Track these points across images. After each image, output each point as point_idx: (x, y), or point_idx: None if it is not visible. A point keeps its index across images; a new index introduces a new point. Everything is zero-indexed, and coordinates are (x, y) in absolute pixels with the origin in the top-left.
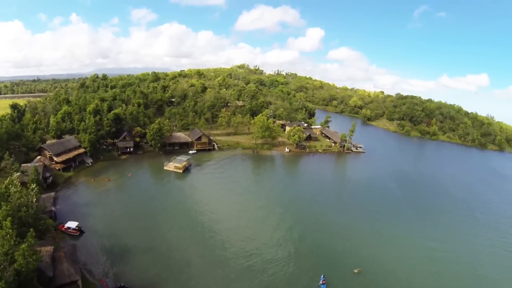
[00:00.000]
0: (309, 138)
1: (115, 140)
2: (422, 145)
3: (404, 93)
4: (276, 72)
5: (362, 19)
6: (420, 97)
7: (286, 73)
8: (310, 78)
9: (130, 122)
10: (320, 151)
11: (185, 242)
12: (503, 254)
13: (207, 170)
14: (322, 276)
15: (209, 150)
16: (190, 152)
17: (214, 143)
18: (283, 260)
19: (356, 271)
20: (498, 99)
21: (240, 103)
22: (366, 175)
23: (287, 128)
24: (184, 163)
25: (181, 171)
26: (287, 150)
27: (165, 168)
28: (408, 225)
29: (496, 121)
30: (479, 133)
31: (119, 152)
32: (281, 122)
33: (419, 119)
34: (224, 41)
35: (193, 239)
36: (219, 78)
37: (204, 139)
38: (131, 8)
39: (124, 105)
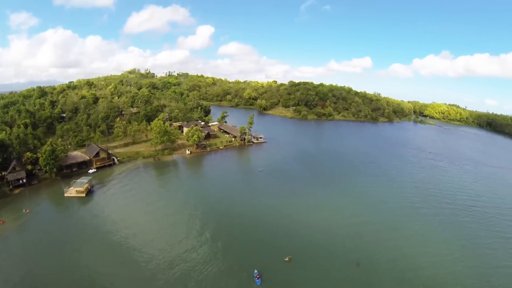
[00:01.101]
0: (208, 136)
1: (3, 173)
2: (320, 126)
3: (296, 80)
4: (168, 73)
5: (250, 14)
6: (312, 83)
7: (178, 74)
8: (202, 76)
9: (18, 147)
10: (221, 147)
11: (107, 267)
12: (405, 207)
13: (111, 187)
14: (255, 271)
15: (110, 165)
16: (90, 171)
17: (114, 157)
18: (208, 262)
19: (287, 259)
20: (381, 78)
21: (134, 110)
22: (272, 161)
23: (185, 129)
24: (86, 185)
25: (84, 195)
26: (188, 152)
27: (66, 195)
28: (322, 199)
29: (383, 96)
30: (369, 109)
31: (10, 187)
32: (178, 124)
33: (314, 103)
34: (113, 45)
35: (115, 260)
36: (110, 87)
37: (102, 155)
38: (9, 13)
39: (8, 128)
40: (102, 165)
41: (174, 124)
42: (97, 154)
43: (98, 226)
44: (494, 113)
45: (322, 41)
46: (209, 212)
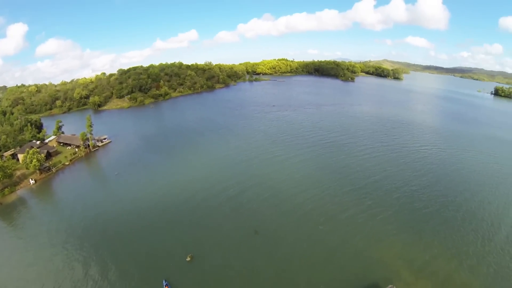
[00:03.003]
0: (49, 155)
1: None
2: (159, 108)
3: (125, 68)
4: None
5: (64, 2)
6: (142, 66)
7: None
8: (23, 85)
9: None
10: (67, 163)
11: None
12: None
13: None
14: (164, 282)
15: None
16: None
17: None
18: None
19: (188, 259)
20: (209, 47)
21: None
22: (122, 158)
23: (20, 156)
24: None
25: None
26: (32, 181)
27: None
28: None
29: (214, 64)
30: (204, 79)
31: None
32: (9, 152)
33: (148, 86)
34: None
35: None
36: None
37: None
38: None
39: None
40: None
41: (6, 154)
42: None
43: None
44: (318, 60)
45: (145, 21)
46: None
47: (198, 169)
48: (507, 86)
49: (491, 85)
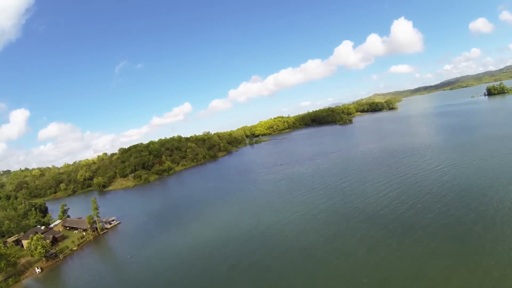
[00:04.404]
0: (55, 241)
1: None
2: (165, 184)
3: (126, 146)
4: None
5: (63, 88)
6: (142, 143)
7: None
8: (27, 169)
9: None
10: (75, 249)
11: None
12: None
13: None
14: None
15: None
16: None
17: None
18: None
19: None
20: (204, 118)
21: None
22: (133, 238)
23: (25, 243)
24: None
25: None
26: (38, 270)
27: None
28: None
29: (213, 133)
30: (205, 149)
31: None
32: (13, 238)
33: (151, 163)
34: None
35: None
36: None
37: None
38: None
39: None
40: None
41: (9, 240)
42: None
43: None
44: (313, 110)
45: (140, 100)
46: None
47: (209, 241)
48: (497, 83)
49: (482, 87)
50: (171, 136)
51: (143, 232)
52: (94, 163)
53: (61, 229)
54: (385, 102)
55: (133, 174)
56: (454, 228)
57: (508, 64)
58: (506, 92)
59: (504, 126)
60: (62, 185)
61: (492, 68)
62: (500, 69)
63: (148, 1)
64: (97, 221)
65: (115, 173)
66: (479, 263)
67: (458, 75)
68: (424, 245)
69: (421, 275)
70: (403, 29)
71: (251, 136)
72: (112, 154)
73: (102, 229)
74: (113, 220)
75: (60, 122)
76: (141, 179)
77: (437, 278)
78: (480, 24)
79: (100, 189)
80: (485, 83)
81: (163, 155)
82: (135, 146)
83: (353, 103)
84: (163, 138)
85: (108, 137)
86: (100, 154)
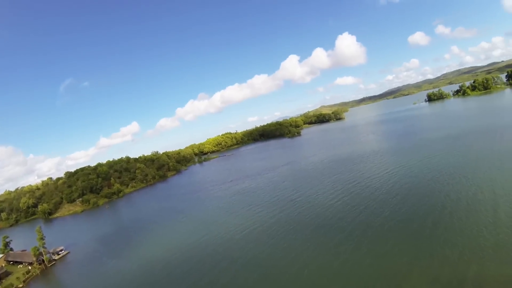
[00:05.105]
0: None
1: None
2: (115, 207)
3: (72, 169)
4: None
5: (1, 107)
6: (89, 166)
7: None
8: None
9: None
10: (20, 285)
11: None
12: None
13: None
14: None
15: None
16: None
17: None
18: None
19: None
20: (152, 137)
21: None
22: (82, 270)
23: None
24: None
25: None
26: None
27: None
28: None
29: (161, 153)
30: (154, 169)
31: None
32: None
33: (99, 186)
34: None
35: None
36: None
37: None
38: None
39: None
40: None
41: None
42: None
43: None
44: (260, 125)
45: (87, 119)
46: None
47: (162, 263)
48: (436, 90)
49: (423, 95)
50: (120, 157)
51: (94, 260)
52: (38, 188)
53: (3, 264)
54: (332, 113)
55: (80, 199)
56: (408, 224)
57: (444, 72)
58: (445, 97)
59: (444, 129)
60: (3, 215)
61: (430, 76)
62: (438, 77)
63: (91, 14)
64: (43, 253)
65: (62, 198)
66: (435, 252)
67: (400, 84)
68: (383, 244)
69: (383, 274)
70: (347, 43)
71: (199, 154)
72: (58, 179)
73: (49, 261)
74: (61, 250)
75: (0, 144)
76: (89, 203)
77: (398, 275)
78: (418, 37)
79: (45, 216)
80: (425, 90)
81: (111, 178)
82: (82, 169)
83: (300, 115)
84: (111, 159)
85: (53, 160)
86: (45, 179)
